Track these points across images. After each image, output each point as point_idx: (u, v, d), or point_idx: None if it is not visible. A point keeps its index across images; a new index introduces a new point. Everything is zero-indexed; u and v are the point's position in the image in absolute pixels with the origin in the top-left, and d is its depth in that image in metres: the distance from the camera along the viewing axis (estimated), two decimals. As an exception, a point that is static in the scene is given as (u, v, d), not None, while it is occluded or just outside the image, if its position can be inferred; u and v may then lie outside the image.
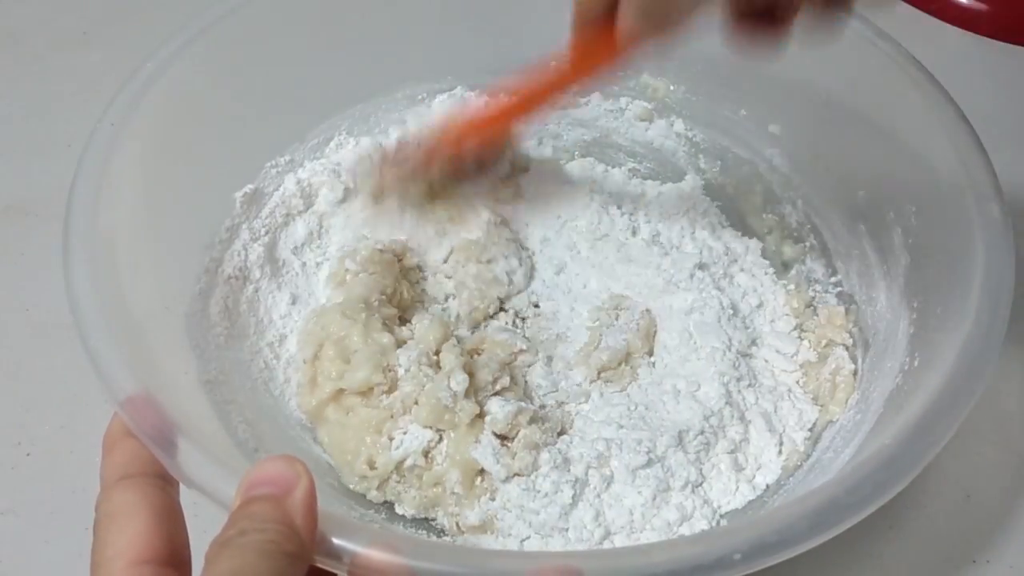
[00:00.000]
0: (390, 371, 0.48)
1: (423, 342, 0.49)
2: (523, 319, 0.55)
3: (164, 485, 0.35)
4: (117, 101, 0.46)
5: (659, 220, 0.58)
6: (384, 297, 0.52)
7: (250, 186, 0.54)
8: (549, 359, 0.52)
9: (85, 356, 0.37)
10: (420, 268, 0.56)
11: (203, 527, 0.33)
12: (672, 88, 0.60)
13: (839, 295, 0.54)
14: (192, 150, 0.50)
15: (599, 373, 0.51)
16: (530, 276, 0.56)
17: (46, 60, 0.72)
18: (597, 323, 0.53)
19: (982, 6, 0.75)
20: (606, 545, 0.45)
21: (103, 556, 0.32)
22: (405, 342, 0.50)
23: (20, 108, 0.68)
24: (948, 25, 0.75)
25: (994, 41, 0.74)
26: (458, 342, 0.50)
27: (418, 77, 0.60)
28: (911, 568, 0.48)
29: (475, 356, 0.50)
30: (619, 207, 0.58)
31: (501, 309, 0.55)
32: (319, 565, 0.32)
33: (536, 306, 0.55)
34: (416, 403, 0.47)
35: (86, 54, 0.72)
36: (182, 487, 0.35)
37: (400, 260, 0.55)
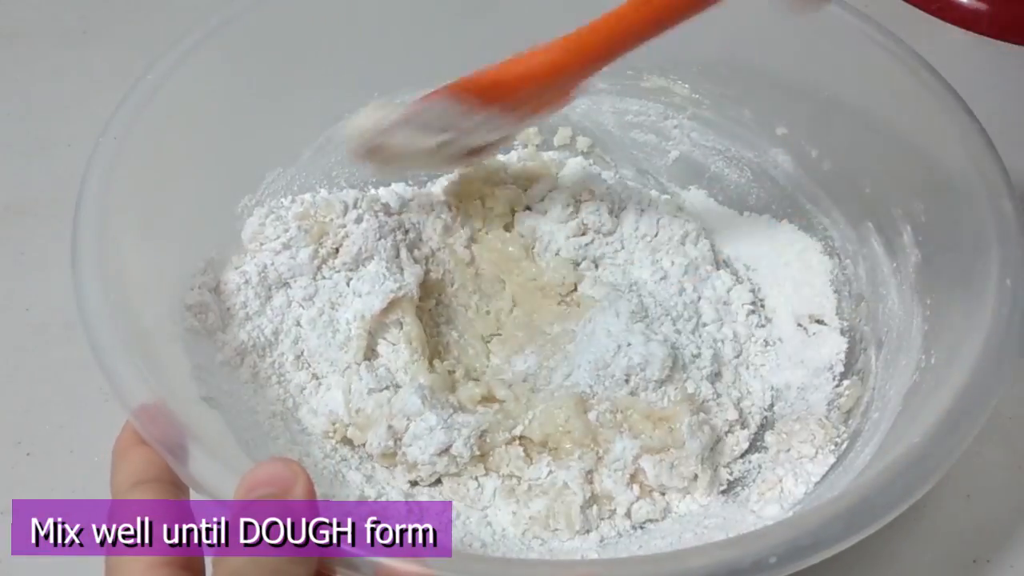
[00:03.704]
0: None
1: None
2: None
3: (177, 492, 0.35)
4: (117, 115, 0.45)
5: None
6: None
7: (249, 197, 0.53)
8: None
9: (97, 366, 0.37)
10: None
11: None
12: (680, 89, 0.60)
13: (848, 293, 0.54)
14: (190, 166, 0.49)
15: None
16: None
17: (46, 59, 0.71)
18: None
19: (982, 6, 0.75)
20: None
21: (121, 559, 0.33)
22: None
23: (20, 108, 0.68)
24: (948, 25, 0.75)
25: (994, 41, 0.74)
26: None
27: (413, 84, 0.59)
28: (911, 568, 0.48)
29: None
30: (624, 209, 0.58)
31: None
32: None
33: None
34: None
35: (86, 53, 0.72)
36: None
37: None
